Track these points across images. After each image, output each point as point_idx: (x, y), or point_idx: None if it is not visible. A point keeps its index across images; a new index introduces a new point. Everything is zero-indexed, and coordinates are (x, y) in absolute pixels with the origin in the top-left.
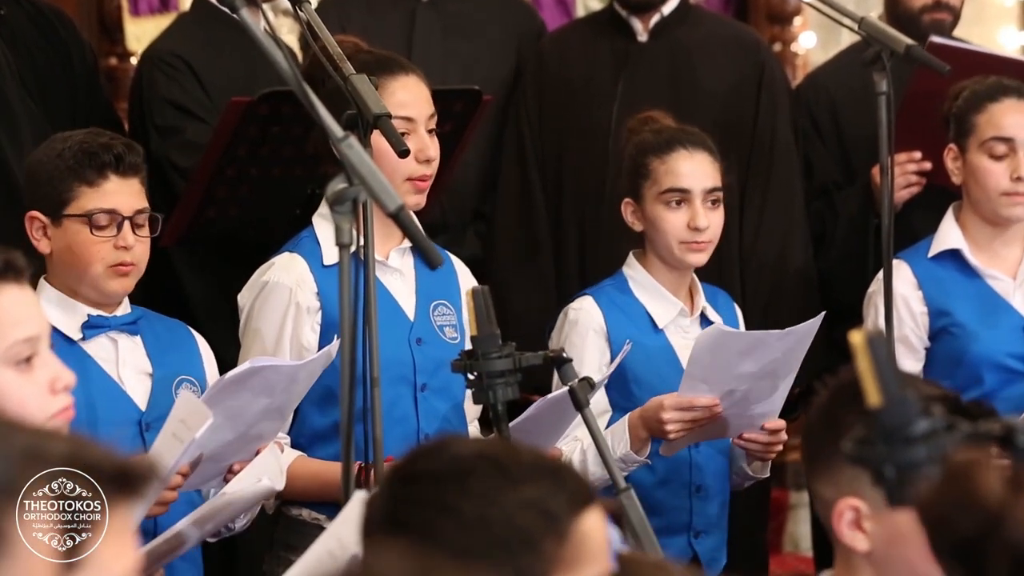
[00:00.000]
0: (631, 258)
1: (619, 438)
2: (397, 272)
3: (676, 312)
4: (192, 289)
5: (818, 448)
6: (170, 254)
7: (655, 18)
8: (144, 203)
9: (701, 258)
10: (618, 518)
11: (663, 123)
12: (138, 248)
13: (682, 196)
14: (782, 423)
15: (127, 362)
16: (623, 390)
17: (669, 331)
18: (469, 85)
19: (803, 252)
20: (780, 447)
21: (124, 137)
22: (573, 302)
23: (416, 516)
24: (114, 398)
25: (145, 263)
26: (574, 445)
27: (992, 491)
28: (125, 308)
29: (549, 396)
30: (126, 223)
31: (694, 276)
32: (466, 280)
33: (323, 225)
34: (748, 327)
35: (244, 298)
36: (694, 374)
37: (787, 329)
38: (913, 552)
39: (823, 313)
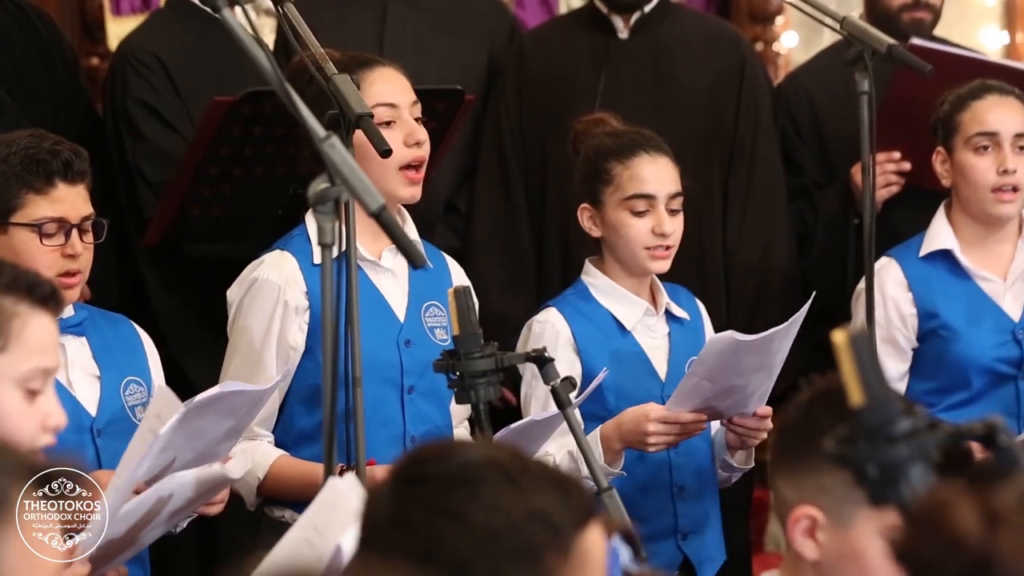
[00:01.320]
0: (588, 266)
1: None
2: (389, 272)
3: (642, 312)
4: (160, 306)
5: (789, 448)
6: (142, 270)
7: (636, 15)
8: (90, 209)
9: (664, 265)
10: (630, 537)
11: (613, 125)
12: (84, 255)
13: (647, 203)
14: (770, 409)
15: (76, 365)
16: (597, 398)
17: (637, 332)
18: (451, 84)
19: (787, 251)
20: (765, 435)
21: (69, 142)
22: (537, 315)
23: (422, 520)
24: (66, 405)
25: (88, 269)
26: (546, 460)
27: (970, 530)
28: (69, 311)
29: (539, 416)
30: (74, 231)
31: (653, 276)
32: (460, 280)
33: (315, 224)
34: (733, 327)
35: (233, 294)
36: (698, 372)
37: (786, 323)
38: (869, 568)
39: (811, 298)
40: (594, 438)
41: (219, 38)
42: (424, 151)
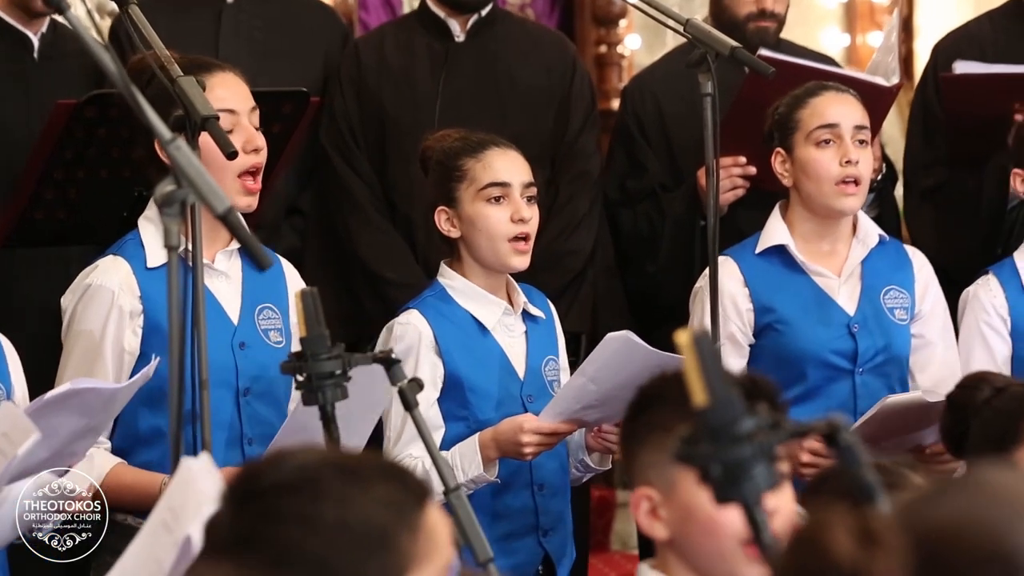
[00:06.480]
0: (443, 268)
1: (470, 460)
2: (223, 275)
3: (501, 312)
4: None
5: (623, 442)
6: None
7: (473, 18)
8: None
9: (524, 261)
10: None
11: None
12: None
13: (503, 191)
14: None
15: None
16: (459, 399)
17: (496, 332)
18: (296, 87)
19: (586, 249)
20: None
21: None
22: (399, 317)
23: (273, 532)
24: None
25: None
26: (413, 463)
27: (843, 550)
28: None
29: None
30: None
31: (508, 276)
32: (294, 283)
33: (148, 227)
34: None
35: (67, 300)
36: (586, 371)
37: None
38: (702, 522)
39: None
40: (472, 445)
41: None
42: (261, 158)
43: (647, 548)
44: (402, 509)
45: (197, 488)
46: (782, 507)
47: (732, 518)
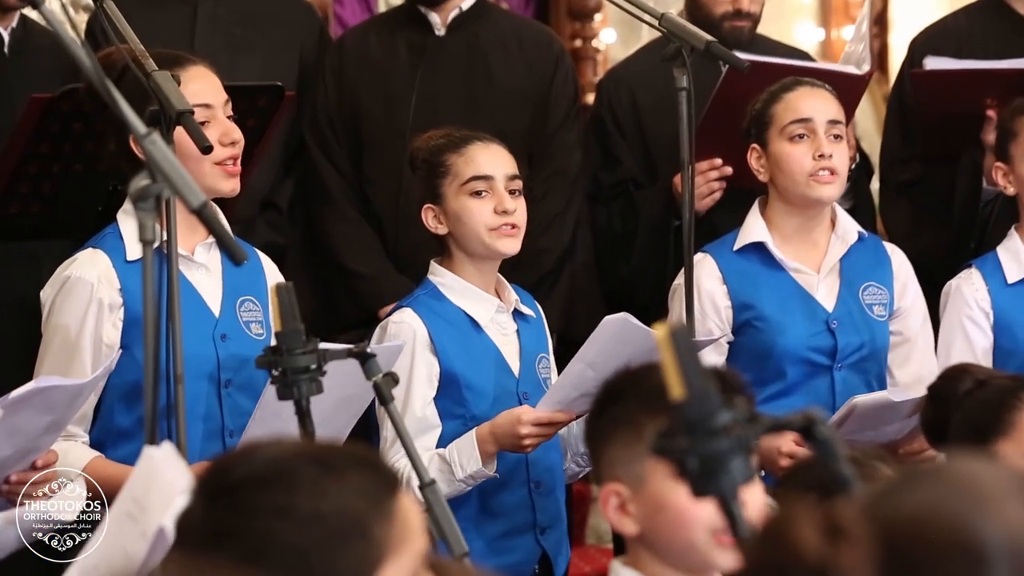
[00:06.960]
0: (434, 266)
1: (468, 455)
2: (203, 267)
3: (494, 309)
4: None
5: (588, 439)
6: None
7: (453, 12)
8: None
9: (513, 245)
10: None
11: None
12: None
13: (486, 184)
14: None
15: None
16: (456, 397)
17: (489, 329)
18: (271, 81)
19: (562, 245)
20: None
21: None
22: (392, 315)
23: (248, 525)
24: None
25: None
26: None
27: (810, 545)
28: None
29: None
30: None
31: (499, 274)
32: (273, 276)
33: (127, 221)
34: None
35: (46, 294)
36: (584, 356)
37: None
38: (672, 514)
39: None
40: (470, 440)
41: None
42: (239, 149)
43: (622, 543)
44: (376, 497)
45: (163, 478)
46: (752, 500)
47: (703, 509)
